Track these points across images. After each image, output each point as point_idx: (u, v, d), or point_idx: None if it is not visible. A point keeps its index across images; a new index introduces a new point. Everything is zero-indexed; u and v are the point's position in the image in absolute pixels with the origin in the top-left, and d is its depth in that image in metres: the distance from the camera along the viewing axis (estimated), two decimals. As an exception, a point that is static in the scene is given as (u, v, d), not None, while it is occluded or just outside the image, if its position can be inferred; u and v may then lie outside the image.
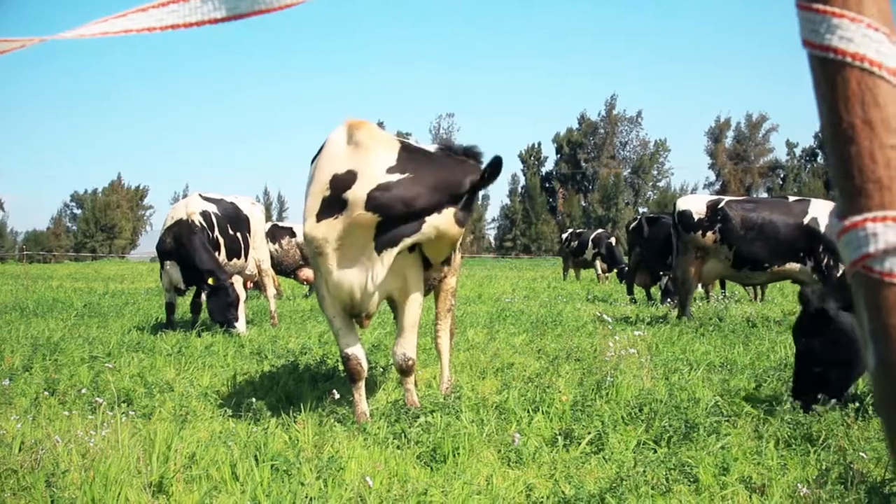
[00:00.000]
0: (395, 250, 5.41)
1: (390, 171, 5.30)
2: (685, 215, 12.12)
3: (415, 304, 5.81)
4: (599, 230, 30.18)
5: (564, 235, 30.93)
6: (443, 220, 5.39)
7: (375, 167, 5.30)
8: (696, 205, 12.19)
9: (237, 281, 11.28)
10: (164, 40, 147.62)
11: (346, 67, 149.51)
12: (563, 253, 31.02)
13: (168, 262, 11.57)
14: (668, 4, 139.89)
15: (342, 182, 5.33)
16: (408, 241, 5.41)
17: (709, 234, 11.81)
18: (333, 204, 5.36)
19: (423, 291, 5.97)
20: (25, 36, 1.09)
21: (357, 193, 5.26)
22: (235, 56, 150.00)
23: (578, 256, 28.28)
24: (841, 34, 0.83)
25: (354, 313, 5.79)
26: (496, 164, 5.44)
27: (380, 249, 5.40)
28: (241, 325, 11.11)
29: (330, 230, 5.37)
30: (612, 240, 26.88)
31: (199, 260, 11.11)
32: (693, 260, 12.04)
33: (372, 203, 5.25)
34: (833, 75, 0.85)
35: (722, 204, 11.88)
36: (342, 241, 5.39)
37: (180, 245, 11.29)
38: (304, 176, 5.85)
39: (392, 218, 5.30)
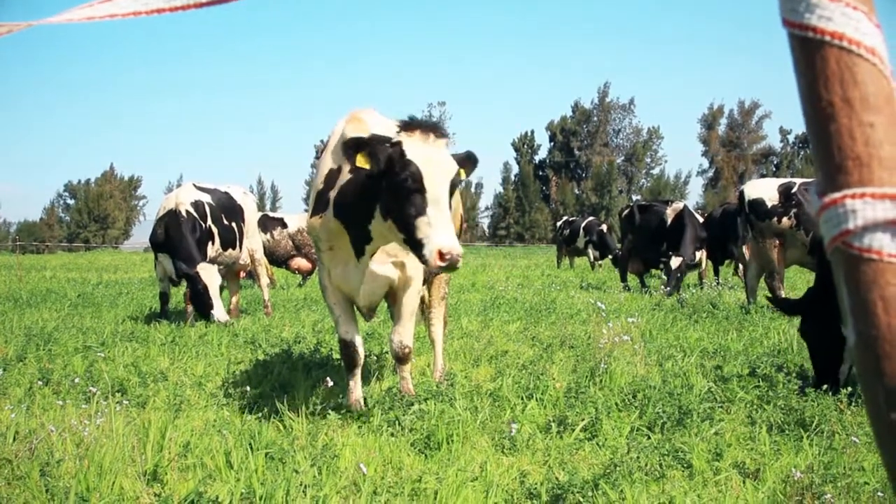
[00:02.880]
0: (367, 256, 5.28)
1: (351, 170, 5.04)
2: (757, 203, 12.00)
3: (413, 293, 5.70)
4: (591, 218, 30.29)
5: (559, 224, 31.05)
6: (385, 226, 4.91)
7: (347, 166, 5.07)
8: (767, 191, 12.07)
9: (205, 269, 10.93)
10: (158, 30, 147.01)
11: (338, 56, 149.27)
12: (556, 241, 31.15)
13: (160, 254, 11.53)
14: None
15: (332, 179, 5.28)
16: (368, 248, 5.23)
17: (784, 219, 11.75)
18: (323, 200, 5.31)
19: (422, 279, 5.88)
20: (12, 21, 1.08)
21: (334, 195, 5.21)
22: (229, 45, 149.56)
23: (571, 244, 28.40)
24: (820, 13, 0.83)
25: (357, 308, 5.77)
26: (355, 146, 4.77)
27: (358, 255, 5.30)
28: (217, 312, 10.81)
29: (322, 228, 5.34)
30: (604, 227, 26.95)
31: (180, 251, 11.03)
32: (774, 246, 11.94)
33: (335, 208, 5.18)
34: (812, 54, 0.85)
35: (795, 189, 11.79)
36: (332, 242, 5.35)
37: (169, 236, 11.23)
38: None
39: (347, 224, 5.17)
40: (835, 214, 0.84)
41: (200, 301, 10.86)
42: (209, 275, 10.89)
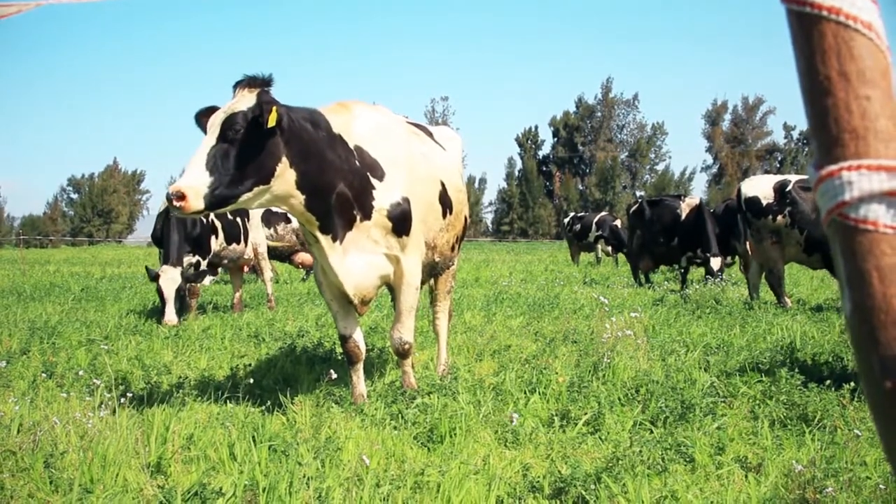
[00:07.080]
0: (330, 237, 5.17)
1: None
2: (754, 201, 11.96)
3: (411, 289, 5.57)
4: (603, 213, 30.00)
5: (566, 220, 30.71)
6: None
7: None
8: (763, 189, 12.03)
9: (166, 272, 10.77)
10: (162, 24, 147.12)
11: (341, 51, 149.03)
12: (567, 237, 30.82)
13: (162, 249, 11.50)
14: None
15: None
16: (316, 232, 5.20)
17: (779, 217, 11.70)
18: None
19: (422, 276, 5.77)
20: (21, 1, 1.09)
21: None
22: (231, 38, 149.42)
23: (582, 240, 28.20)
24: (817, -12, 0.84)
25: (347, 300, 5.56)
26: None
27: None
28: (166, 315, 10.60)
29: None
30: (618, 222, 26.85)
31: (165, 246, 11.04)
32: (772, 245, 11.92)
33: None
34: (810, 29, 0.86)
35: (790, 187, 11.73)
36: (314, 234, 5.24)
37: (163, 232, 11.19)
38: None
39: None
40: (831, 186, 0.84)
41: (161, 299, 10.88)
42: (167, 279, 10.76)
